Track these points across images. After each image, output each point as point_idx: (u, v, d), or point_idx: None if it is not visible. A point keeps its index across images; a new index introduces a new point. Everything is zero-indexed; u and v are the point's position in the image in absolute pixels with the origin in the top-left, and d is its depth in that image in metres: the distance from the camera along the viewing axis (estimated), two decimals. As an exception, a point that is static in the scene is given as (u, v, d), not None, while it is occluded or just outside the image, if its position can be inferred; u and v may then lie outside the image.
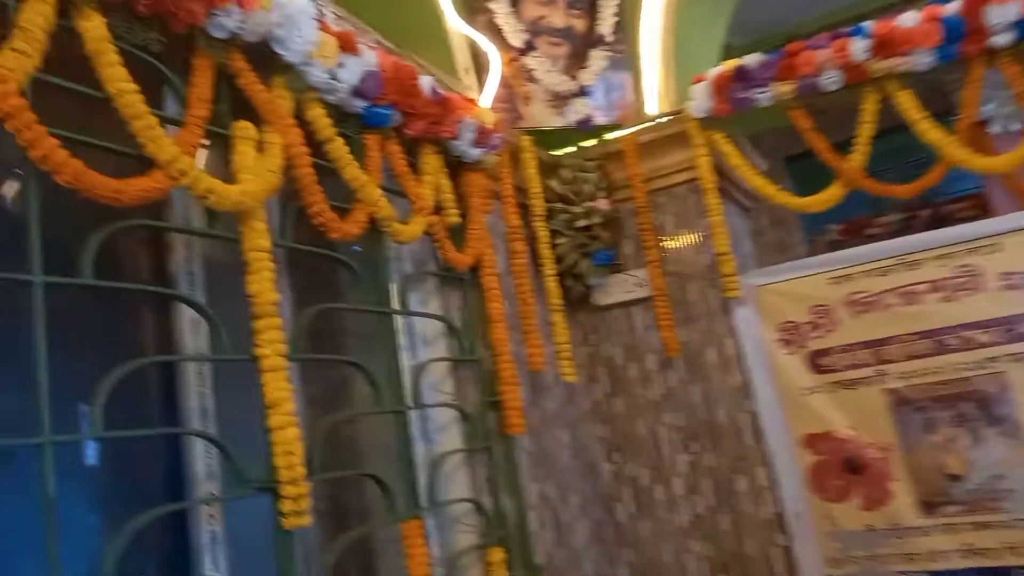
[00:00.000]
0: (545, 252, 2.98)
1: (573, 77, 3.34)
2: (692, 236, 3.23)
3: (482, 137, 2.59)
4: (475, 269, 2.59)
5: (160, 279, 1.74)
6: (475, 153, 2.58)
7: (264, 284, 1.61)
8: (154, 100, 1.67)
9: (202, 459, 1.65)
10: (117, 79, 1.42)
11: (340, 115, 2.08)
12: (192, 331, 1.70)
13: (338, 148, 1.97)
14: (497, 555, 2.29)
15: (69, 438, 1.22)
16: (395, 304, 2.27)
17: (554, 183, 3.18)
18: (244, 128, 1.70)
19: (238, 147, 1.67)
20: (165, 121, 1.58)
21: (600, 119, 3.34)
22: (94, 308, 1.82)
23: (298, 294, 2.23)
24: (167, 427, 1.70)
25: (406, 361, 2.34)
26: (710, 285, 3.16)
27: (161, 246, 1.76)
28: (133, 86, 1.44)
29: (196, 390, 1.68)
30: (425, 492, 2.15)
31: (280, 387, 1.58)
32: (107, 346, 1.67)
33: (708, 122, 3.05)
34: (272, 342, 1.59)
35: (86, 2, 1.41)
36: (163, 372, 1.72)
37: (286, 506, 1.53)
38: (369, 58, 2.07)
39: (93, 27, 1.41)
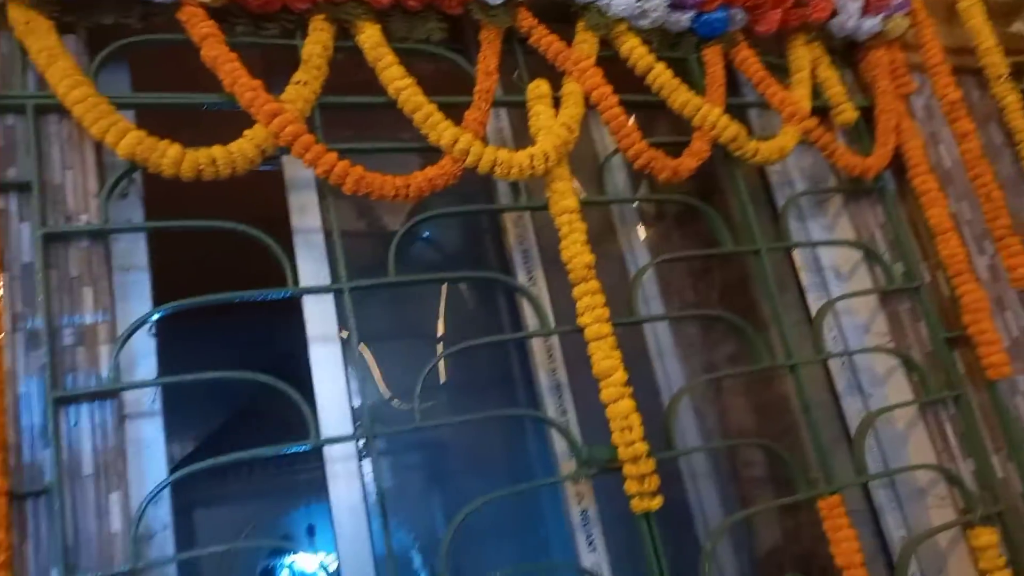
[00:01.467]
0: (1020, 124, 2.14)
1: None
2: None
3: (875, 1, 1.97)
4: (899, 172, 1.98)
5: (501, 263, 1.74)
6: (870, 25, 1.98)
7: (576, 248, 1.46)
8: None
9: (561, 439, 1.57)
10: (394, 79, 1.46)
11: (668, 40, 1.81)
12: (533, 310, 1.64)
13: (659, 75, 1.71)
14: (986, 537, 1.68)
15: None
16: (788, 238, 1.87)
17: (1020, 25, 2.26)
18: (536, 87, 1.58)
19: (533, 108, 1.57)
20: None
21: (1087, -93, 2.26)
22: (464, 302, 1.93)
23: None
24: (525, 409, 1.68)
25: (815, 303, 1.91)
26: None
27: (499, 230, 1.76)
28: (409, 80, 1.46)
29: (545, 368, 1.62)
30: (863, 459, 1.69)
31: (608, 356, 1.41)
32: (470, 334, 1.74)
33: None
34: (592, 308, 1.43)
35: (359, 16, 1.49)
36: (519, 354, 1.72)
37: (631, 488, 1.35)
38: (679, -42, 1.75)
39: (367, 37, 1.48)
